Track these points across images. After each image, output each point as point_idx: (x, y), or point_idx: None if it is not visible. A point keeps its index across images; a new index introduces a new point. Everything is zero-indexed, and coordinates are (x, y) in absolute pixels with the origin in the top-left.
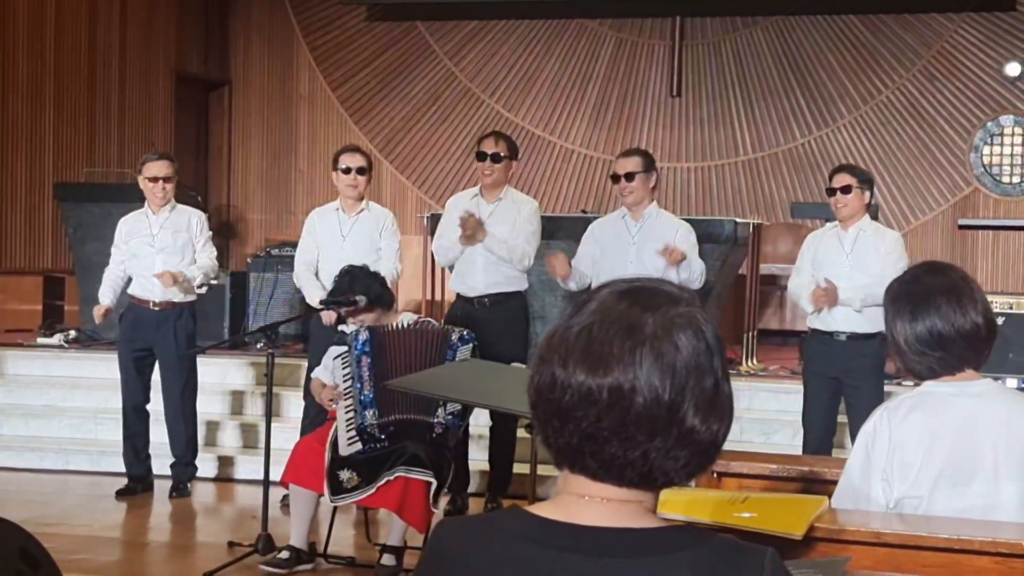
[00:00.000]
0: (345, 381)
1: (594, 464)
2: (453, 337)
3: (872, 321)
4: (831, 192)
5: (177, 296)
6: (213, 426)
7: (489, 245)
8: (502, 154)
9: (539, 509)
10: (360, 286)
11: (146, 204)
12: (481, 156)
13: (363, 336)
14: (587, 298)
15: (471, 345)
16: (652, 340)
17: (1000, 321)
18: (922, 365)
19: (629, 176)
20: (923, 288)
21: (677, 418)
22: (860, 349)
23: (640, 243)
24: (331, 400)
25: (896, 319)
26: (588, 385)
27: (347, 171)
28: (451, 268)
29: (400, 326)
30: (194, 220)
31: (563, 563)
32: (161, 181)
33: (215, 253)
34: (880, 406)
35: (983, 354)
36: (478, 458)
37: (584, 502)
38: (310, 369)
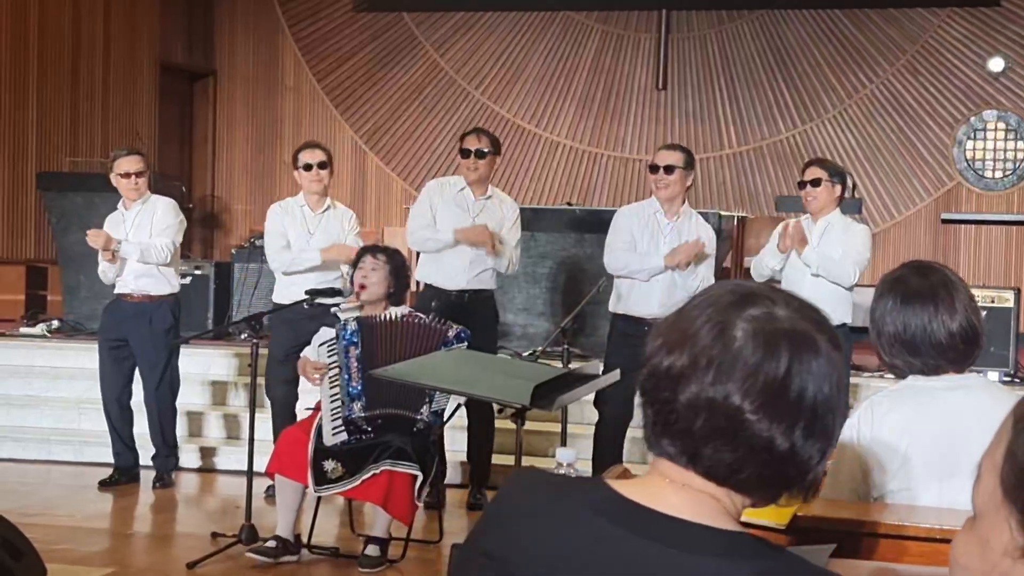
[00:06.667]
0: (331, 369)
1: (671, 449)
2: (450, 334)
3: (834, 312)
4: (801, 185)
5: (154, 289)
6: (196, 417)
7: (502, 252)
8: (486, 150)
9: (621, 486)
10: (402, 279)
11: (120, 201)
12: (465, 153)
13: (352, 326)
14: (705, 289)
15: (466, 344)
16: (732, 328)
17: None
18: (904, 365)
19: (669, 169)
20: (912, 289)
21: (739, 417)
22: None
23: (672, 241)
24: (315, 373)
25: (884, 317)
26: (667, 363)
27: (308, 168)
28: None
29: (390, 318)
30: (159, 206)
31: (631, 545)
32: (133, 176)
33: (167, 241)
34: (865, 399)
35: (967, 358)
36: (458, 449)
37: (666, 486)
38: (270, 359)
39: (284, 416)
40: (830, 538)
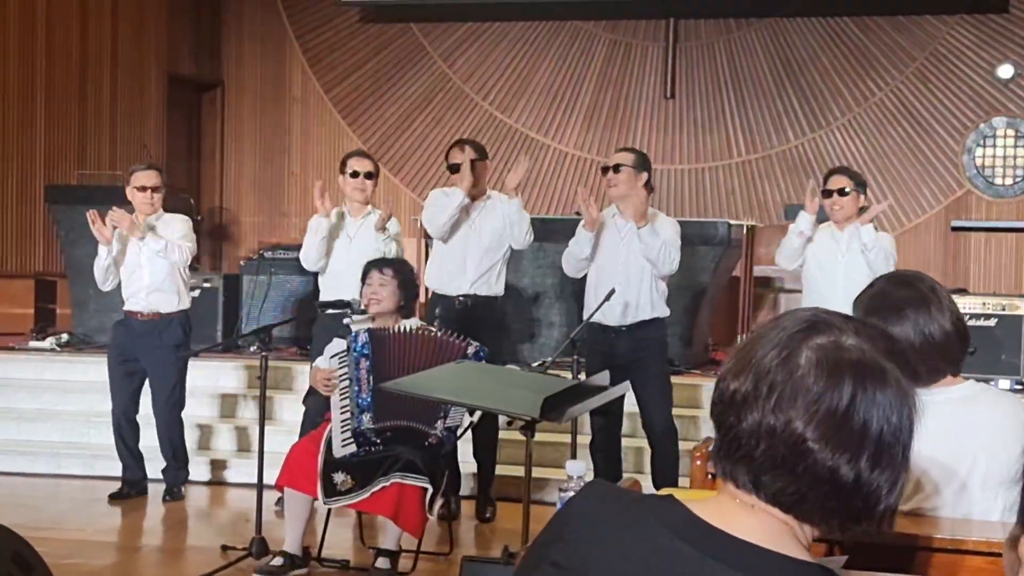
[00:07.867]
0: (342, 381)
1: (737, 475)
2: (469, 351)
3: None
4: (827, 194)
5: (165, 307)
6: (206, 430)
7: (512, 213)
8: (472, 158)
9: (695, 506)
10: (411, 290)
11: (134, 215)
12: (454, 168)
13: (363, 338)
14: (782, 314)
15: (483, 363)
16: (797, 356)
17: (992, 323)
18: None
19: (616, 168)
20: (891, 302)
21: (802, 446)
22: None
23: (629, 243)
24: (326, 383)
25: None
26: (733, 388)
27: (355, 175)
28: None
29: (402, 330)
30: (175, 224)
31: (703, 566)
32: (150, 191)
33: (189, 247)
34: None
35: (958, 361)
36: (467, 460)
37: (738, 508)
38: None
39: (311, 426)
40: (841, 550)
